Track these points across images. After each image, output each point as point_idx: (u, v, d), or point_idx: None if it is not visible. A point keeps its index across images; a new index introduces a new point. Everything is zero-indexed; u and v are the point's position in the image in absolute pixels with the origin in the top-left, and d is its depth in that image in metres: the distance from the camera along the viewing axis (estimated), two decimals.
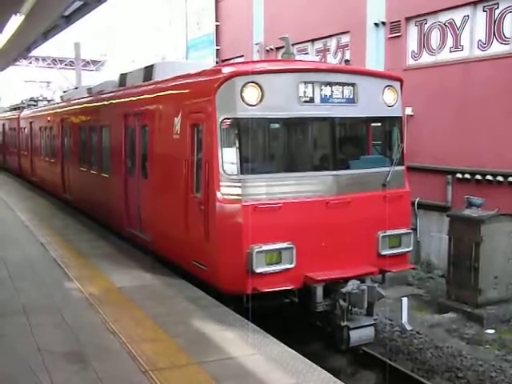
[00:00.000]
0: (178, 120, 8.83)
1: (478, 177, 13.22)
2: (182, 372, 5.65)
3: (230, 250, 7.58)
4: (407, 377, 8.47)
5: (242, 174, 7.66)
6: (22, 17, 13.66)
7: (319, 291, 7.78)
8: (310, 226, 7.86)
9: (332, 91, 8.23)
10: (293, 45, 11.22)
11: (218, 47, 25.17)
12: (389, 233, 8.50)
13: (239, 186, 7.61)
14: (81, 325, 6.96)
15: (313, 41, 19.19)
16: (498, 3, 13.06)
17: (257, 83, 7.65)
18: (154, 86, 10.52)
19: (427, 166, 14.26)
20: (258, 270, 7.43)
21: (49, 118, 19.52)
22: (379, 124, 9.40)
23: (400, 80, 9.10)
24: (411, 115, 14.64)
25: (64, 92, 25.18)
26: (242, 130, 7.73)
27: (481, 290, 10.99)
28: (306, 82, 8.03)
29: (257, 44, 21.90)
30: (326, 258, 7.92)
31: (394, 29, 15.66)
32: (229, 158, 7.69)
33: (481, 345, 10.06)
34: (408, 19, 15.34)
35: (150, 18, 36.99)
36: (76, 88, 24.26)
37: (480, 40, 13.52)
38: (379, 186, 8.57)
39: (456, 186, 13.80)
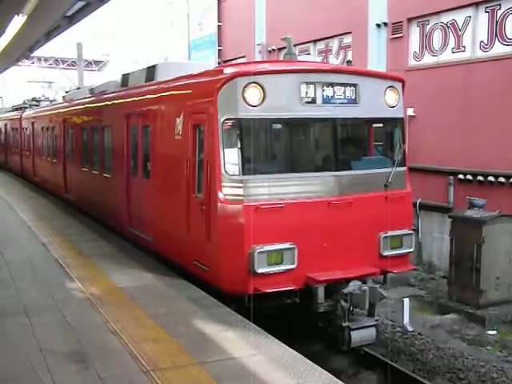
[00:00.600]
0: (179, 120, 8.84)
1: (480, 178, 13.21)
2: (183, 372, 5.65)
3: (231, 250, 7.58)
4: (408, 378, 8.46)
5: (243, 174, 7.66)
6: (25, 17, 13.66)
7: (321, 292, 7.78)
8: (312, 227, 7.85)
9: (334, 92, 8.23)
10: (295, 45, 11.26)
11: (220, 48, 25.18)
12: (390, 233, 8.49)
13: (241, 187, 7.61)
14: (82, 325, 6.97)
15: (315, 41, 19.19)
16: (500, 4, 13.05)
17: (259, 84, 7.65)
18: (156, 86, 10.52)
19: (429, 166, 14.25)
20: (260, 271, 7.43)
21: (51, 119, 19.54)
22: (381, 125, 9.39)
23: (402, 81, 9.10)
24: (413, 116, 14.64)
25: (66, 92, 25.21)
26: (243, 130, 7.72)
27: (482, 290, 10.98)
28: (307, 83, 8.03)
29: (259, 44, 21.91)
30: (327, 258, 7.92)
31: (396, 29, 15.66)
32: (230, 158, 7.69)
33: (482, 346, 10.05)
34: (410, 20, 15.34)
35: (152, 19, 37.01)
36: (78, 88, 24.33)
37: (482, 41, 13.51)
38: (381, 187, 8.56)
39: (458, 187, 13.79)
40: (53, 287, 8.54)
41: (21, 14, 13.43)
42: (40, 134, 21.36)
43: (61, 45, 37.81)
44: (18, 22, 14.30)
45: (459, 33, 14.07)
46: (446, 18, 14.38)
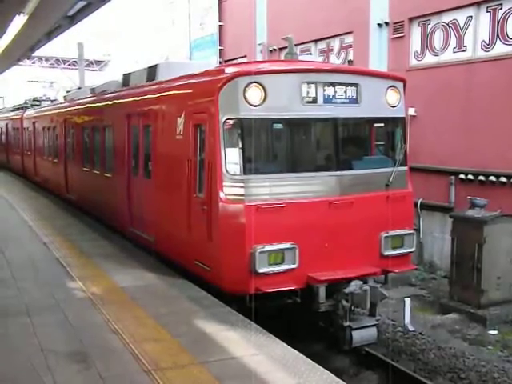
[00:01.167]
0: (181, 120, 8.84)
1: (481, 177, 13.20)
2: (184, 372, 5.65)
3: (232, 250, 7.57)
4: (410, 377, 8.46)
5: (244, 174, 7.66)
6: (26, 17, 13.67)
7: (322, 291, 7.77)
8: (313, 227, 7.85)
9: (335, 91, 8.23)
10: (296, 45, 11.25)
11: (222, 47, 25.18)
12: (391, 233, 8.49)
13: (242, 186, 7.61)
14: (83, 324, 6.98)
15: (316, 41, 19.19)
16: (501, 4, 13.04)
17: (260, 83, 7.65)
18: (157, 86, 10.52)
19: (430, 166, 14.24)
20: (261, 270, 7.43)
21: (52, 118, 19.55)
22: (382, 124, 9.39)
23: (403, 80, 9.10)
24: (414, 116, 14.63)
25: (67, 92, 25.21)
26: (244, 130, 7.72)
27: (483, 290, 10.98)
28: (308, 83, 8.03)
29: (260, 44, 21.90)
30: (328, 258, 7.92)
31: (398, 29, 15.65)
32: (232, 158, 7.69)
33: (483, 346, 10.05)
34: (411, 19, 15.33)
35: (153, 19, 37.01)
36: (79, 88, 24.30)
37: (483, 40, 13.50)
38: (382, 187, 8.56)
39: (459, 187, 13.78)
40: (54, 287, 8.55)
41: (22, 14, 13.44)
42: (41, 134, 21.37)
43: (62, 45, 37.85)
44: (19, 22, 14.31)
45: (460, 32, 14.05)
46: (447, 18, 14.37)
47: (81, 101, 16.56)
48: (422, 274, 13.87)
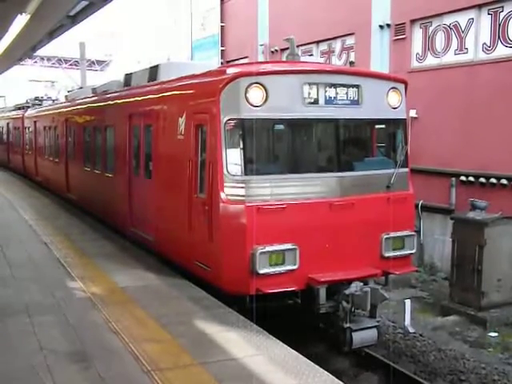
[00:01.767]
0: (182, 120, 8.84)
1: (482, 179, 13.19)
2: (184, 372, 5.65)
3: (233, 250, 7.57)
4: (410, 379, 8.46)
5: (245, 174, 7.66)
6: (28, 16, 13.68)
7: (322, 293, 7.76)
8: (314, 228, 7.85)
9: (336, 93, 8.23)
10: (297, 46, 11.21)
11: (223, 48, 25.18)
12: (392, 235, 8.48)
13: (243, 187, 7.61)
14: (83, 324, 6.98)
15: (317, 42, 19.18)
16: (502, 6, 13.03)
17: (261, 84, 7.65)
18: (158, 86, 10.52)
19: (431, 168, 14.23)
20: (262, 271, 7.43)
21: (53, 118, 19.56)
22: (383, 126, 9.39)
23: (404, 82, 9.09)
24: (415, 117, 14.63)
25: (69, 92, 25.22)
26: (246, 130, 7.72)
27: (484, 292, 10.97)
28: (310, 84, 8.03)
29: (261, 45, 21.91)
30: (329, 259, 7.91)
31: (399, 31, 15.64)
32: (233, 158, 7.69)
33: (484, 348, 10.05)
34: (413, 21, 15.33)
35: (155, 19, 37.05)
36: (81, 88, 24.31)
37: (485, 43, 13.50)
38: (383, 188, 8.56)
39: (460, 189, 13.77)
40: (54, 287, 8.54)
41: (24, 14, 13.46)
42: (42, 134, 21.38)
43: (64, 44, 37.82)
44: (21, 22, 14.34)
45: (462, 35, 14.05)
46: (448, 20, 14.36)
47: (82, 100, 16.57)
48: (422, 276, 13.86)
